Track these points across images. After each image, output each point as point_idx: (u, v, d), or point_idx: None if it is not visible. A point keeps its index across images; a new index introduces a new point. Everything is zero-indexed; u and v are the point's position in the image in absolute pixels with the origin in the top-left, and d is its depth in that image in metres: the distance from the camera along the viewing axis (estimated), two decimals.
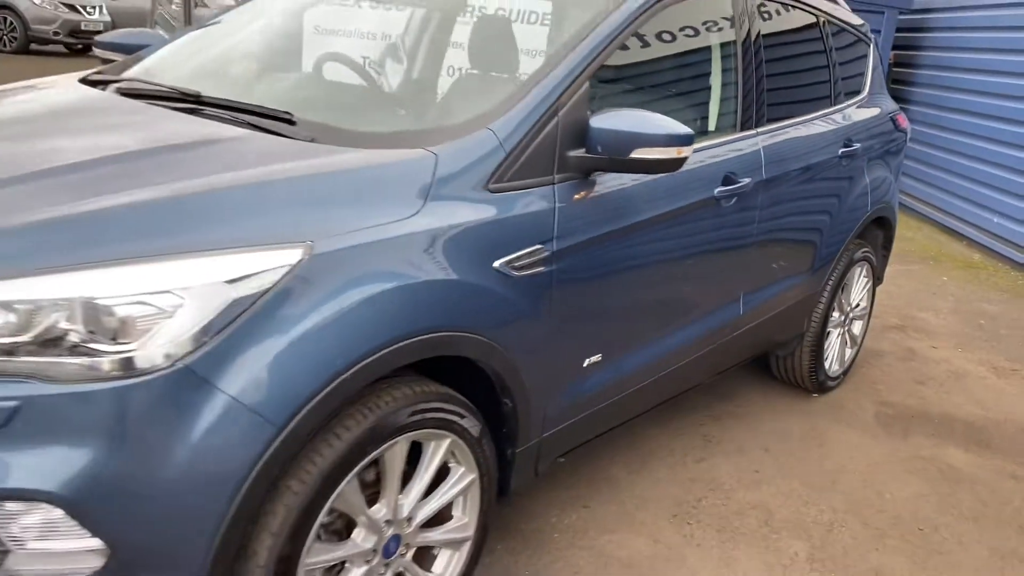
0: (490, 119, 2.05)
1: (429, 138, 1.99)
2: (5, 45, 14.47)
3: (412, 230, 1.81)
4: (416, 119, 2.25)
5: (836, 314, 3.87)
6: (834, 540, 2.82)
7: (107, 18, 15.73)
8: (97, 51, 3.11)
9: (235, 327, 1.52)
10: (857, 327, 4.15)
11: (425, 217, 1.85)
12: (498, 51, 2.46)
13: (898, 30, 8.80)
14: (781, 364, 3.86)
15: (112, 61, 3.06)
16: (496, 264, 1.97)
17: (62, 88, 2.50)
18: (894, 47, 9.00)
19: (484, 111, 2.08)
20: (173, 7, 6.29)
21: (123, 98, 2.31)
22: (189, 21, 4.49)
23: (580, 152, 2.14)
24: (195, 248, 1.54)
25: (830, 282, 3.68)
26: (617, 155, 2.11)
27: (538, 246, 2.07)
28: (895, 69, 9.19)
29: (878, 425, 3.74)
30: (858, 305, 4.07)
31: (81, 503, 1.44)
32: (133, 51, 3.03)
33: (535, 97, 2.11)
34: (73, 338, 1.45)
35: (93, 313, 1.45)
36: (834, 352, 3.95)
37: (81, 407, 1.44)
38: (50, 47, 15.29)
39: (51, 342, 1.45)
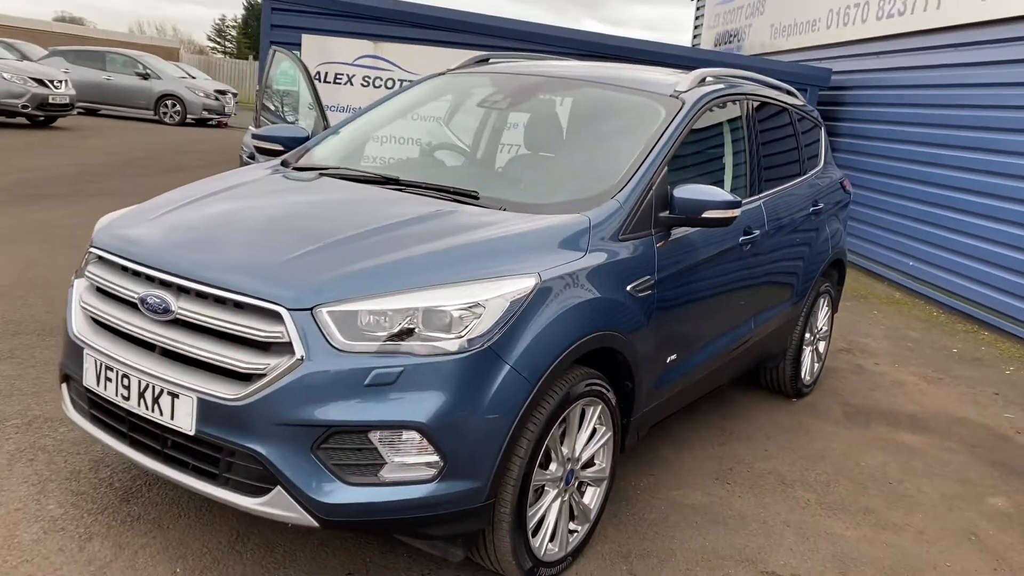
0: (614, 192, 3.09)
1: (579, 206, 3.01)
2: None
3: (584, 266, 2.81)
4: (561, 192, 3.24)
5: (808, 335, 4.99)
6: (833, 491, 3.87)
7: (72, 91, 16.38)
8: (255, 142, 3.96)
9: (510, 324, 2.49)
10: (822, 346, 5.28)
11: (589, 258, 2.85)
12: (609, 145, 3.51)
13: (819, 104, 10.27)
14: (769, 375, 4.94)
15: (268, 150, 3.89)
16: (628, 288, 2.98)
17: (282, 173, 3.43)
18: None
19: (608, 187, 3.12)
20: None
21: (341, 180, 3.26)
22: (327, 125, 5.38)
23: (666, 213, 3.19)
24: (485, 276, 2.51)
25: (805, 309, 4.80)
26: (693, 215, 3.16)
27: (647, 277, 3.09)
28: None
29: (845, 419, 4.85)
30: (823, 328, 5.21)
31: (434, 430, 2.36)
32: (286, 143, 3.87)
33: (638, 177, 3.16)
34: (417, 332, 2.40)
35: (435, 317, 2.40)
36: (807, 365, 5.06)
37: (434, 372, 2.37)
38: (15, 120, 15.79)
39: (408, 334, 2.38)
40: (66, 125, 17.08)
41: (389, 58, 9.75)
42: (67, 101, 16.08)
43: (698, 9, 16.79)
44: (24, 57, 19.25)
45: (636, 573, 3.00)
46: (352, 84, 9.79)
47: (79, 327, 2.77)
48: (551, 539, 2.86)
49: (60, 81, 16.01)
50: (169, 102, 20.82)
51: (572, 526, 2.99)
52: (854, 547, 3.37)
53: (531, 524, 2.73)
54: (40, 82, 15.45)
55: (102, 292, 2.76)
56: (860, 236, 9.53)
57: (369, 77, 9.80)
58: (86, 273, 2.83)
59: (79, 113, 18.70)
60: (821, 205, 4.77)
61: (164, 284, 2.55)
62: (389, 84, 9.73)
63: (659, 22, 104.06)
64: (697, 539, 3.28)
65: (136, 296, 2.58)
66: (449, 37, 9.64)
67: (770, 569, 3.13)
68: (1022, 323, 6.76)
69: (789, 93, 4.94)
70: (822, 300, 5.09)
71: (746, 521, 3.48)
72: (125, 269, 2.67)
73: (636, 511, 3.45)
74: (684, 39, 17.21)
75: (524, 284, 2.57)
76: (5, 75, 14.96)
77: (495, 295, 2.49)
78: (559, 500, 2.86)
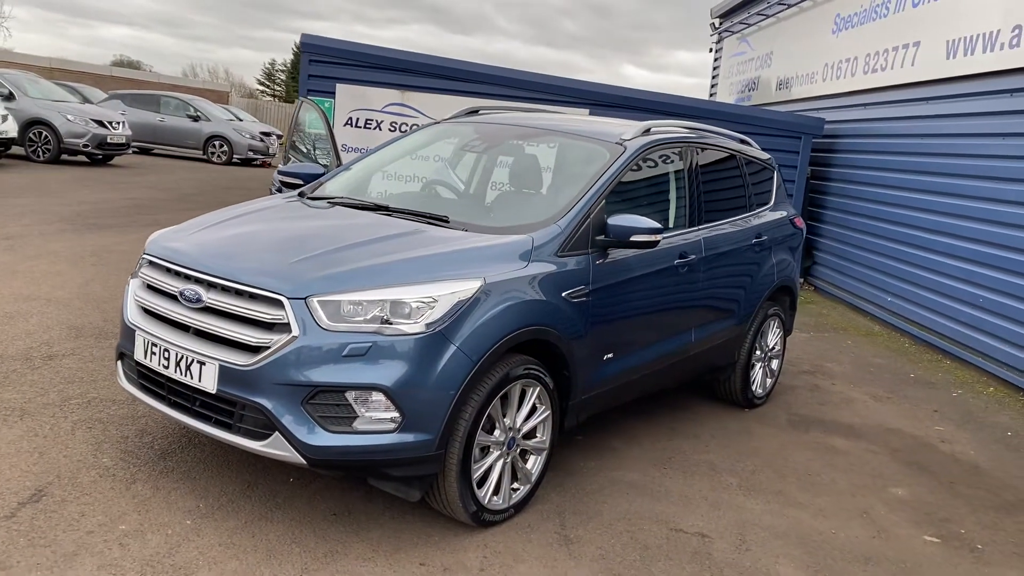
0: (557, 219, 3.86)
1: (526, 228, 3.79)
2: (39, 156, 16.18)
3: (524, 275, 3.58)
4: (515, 219, 4.02)
5: (758, 352, 5.67)
6: (755, 478, 4.54)
7: (128, 132, 17.63)
8: (280, 177, 4.82)
9: (457, 314, 3.25)
10: (775, 363, 5.96)
11: (530, 269, 3.62)
12: (559, 181, 4.30)
13: (813, 150, 10.97)
14: (721, 386, 5.62)
15: (291, 184, 4.75)
16: (563, 294, 3.74)
17: (297, 201, 4.27)
18: (811, 163, 11.16)
19: (553, 214, 3.90)
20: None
21: (342, 207, 4.09)
22: (340, 163, 6.22)
23: (602, 237, 3.95)
24: (440, 279, 3.29)
25: (752, 328, 5.50)
26: (623, 239, 3.92)
27: (582, 287, 3.85)
28: (812, 181, 11.33)
29: (788, 425, 5.51)
30: (774, 347, 5.89)
31: (395, 391, 3.13)
32: (304, 179, 4.72)
33: (578, 208, 3.93)
34: (385, 318, 3.18)
35: (399, 308, 3.18)
36: (758, 379, 5.74)
37: (396, 348, 3.14)
38: (76, 158, 17.07)
39: (378, 320, 3.17)
40: (122, 163, 18.37)
41: (415, 106, 10.70)
42: (123, 141, 17.34)
43: (715, 60, 17.63)
44: (86, 100, 20.67)
45: (566, 524, 3.72)
46: (381, 129, 10.74)
47: (132, 315, 3.60)
48: (495, 492, 3.59)
49: (117, 122, 17.29)
50: (217, 143, 22.12)
51: (515, 485, 3.72)
52: (758, 517, 4.05)
53: (476, 476, 3.47)
54: (100, 123, 16.73)
55: (151, 288, 3.59)
56: (845, 273, 10.16)
57: (396, 123, 10.75)
58: (139, 274, 3.67)
59: (134, 152, 20.04)
60: (765, 238, 5.49)
61: (197, 281, 3.37)
62: (415, 129, 10.65)
63: (699, 68, 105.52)
64: (623, 505, 3.99)
65: (176, 290, 3.41)
66: (469, 87, 10.57)
67: (679, 528, 3.83)
68: (978, 352, 7.34)
69: (743, 142, 5.70)
70: (772, 322, 5.77)
71: (670, 494, 4.18)
72: (169, 270, 3.51)
73: (578, 483, 4.16)
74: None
75: (471, 285, 3.34)
76: (69, 117, 16.26)
77: (446, 292, 3.27)
78: (502, 461, 3.60)
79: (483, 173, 4.87)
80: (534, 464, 3.80)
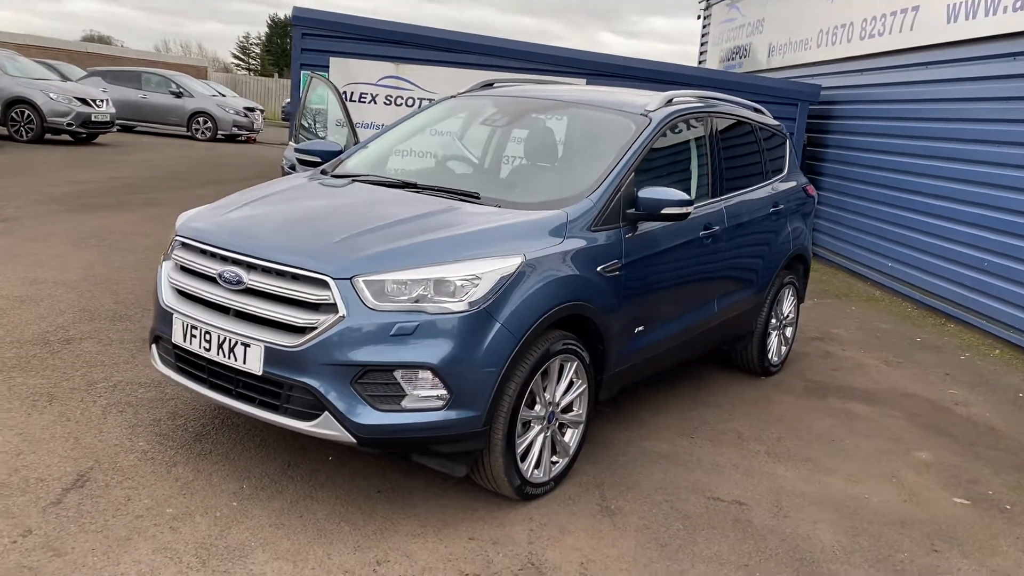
0: (589, 193, 3.85)
1: (560, 204, 3.78)
2: (22, 136, 15.92)
3: (561, 250, 3.58)
4: (547, 193, 4.01)
5: (774, 320, 5.71)
6: (781, 445, 4.59)
7: (112, 110, 17.38)
8: (297, 155, 4.76)
9: (501, 291, 3.25)
10: (789, 331, 6.00)
11: (566, 244, 3.61)
12: (587, 155, 4.29)
13: (810, 117, 10.98)
14: (739, 355, 5.66)
15: (308, 161, 4.69)
16: (598, 269, 3.74)
17: (321, 179, 4.23)
18: (808, 130, 11.18)
19: (584, 189, 3.89)
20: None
21: (370, 184, 4.06)
22: (357, 140, 6.16)
23: (633, 210, 3.95)
24: (481, 256, 3.28)
25: (769, 297, 5.53)
26: (654, 211, 3.92)
27: (615, 261, 3.85)
28: (809, 148, 11.35)
29: (805, 392, 5.57)
30: (788, 315, 5.93)
31: (443, 369, 3.13)
32: (323, 156, 4.67)
33: (609, 181, 3.92)
34: (429, 297, 3.17)
35: (443, 286, 3.17)
36: (774, 347, 5.78)
37: (442, 326, 3.14)
38: (60, 137, 16.81)
39: (423, 299, 3.16)
40: (106, 141, 18.12)
41: (409, 78, 10.60)
42: (108, 119, 17.09)
43: (704, 27, 17.55)
44: (64, 77, 20.29)
45: (606, 496, 3.75)
46: (376, 102, 10.64)
47: (168, 298, 3.57)
48: (536, 466, 3.61)
49: (101, 100, 17.02)
50: (201, 119, 21.87)
51: (554, 458, 3.74)
52: (790, 484, 4.10)
53: (520, 450, 3.48)
54: (83, 101, 16.47)
55: (185, 270, 3.55)
56: (845, 239, 10.22)
57: (391, 96, 10.65)
58: (173, 256, 3.64)
59: (117, 130, 19.73)
60: (782, 206, 5.51)
61: (236, 262, 3.34)
62: (409, 102, 10.57)
63: (675, 34, 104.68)
64: (659, 475, 4.02)
65: (215, 272, 3.38)
66: (464, 59, 10.48)
67: (716, 496, 3.87)
68: (982, 315, 7.44)
69: (756, 111, 5.69)
70: (787, 290, 5.81)
71: (702, 464, 4.22)
72: (204, 252, 3.47)
73: (611, 455, 4.20)
74: (696, 51, 17.99)
75: (512, 262, 3.34)
76: (52, 95, 15.98)
77: (489, 270, 3.26)
78: (543, 435, 3.62)
79: (506, 148, 4.84)
80: (572, 437, 3.83)
